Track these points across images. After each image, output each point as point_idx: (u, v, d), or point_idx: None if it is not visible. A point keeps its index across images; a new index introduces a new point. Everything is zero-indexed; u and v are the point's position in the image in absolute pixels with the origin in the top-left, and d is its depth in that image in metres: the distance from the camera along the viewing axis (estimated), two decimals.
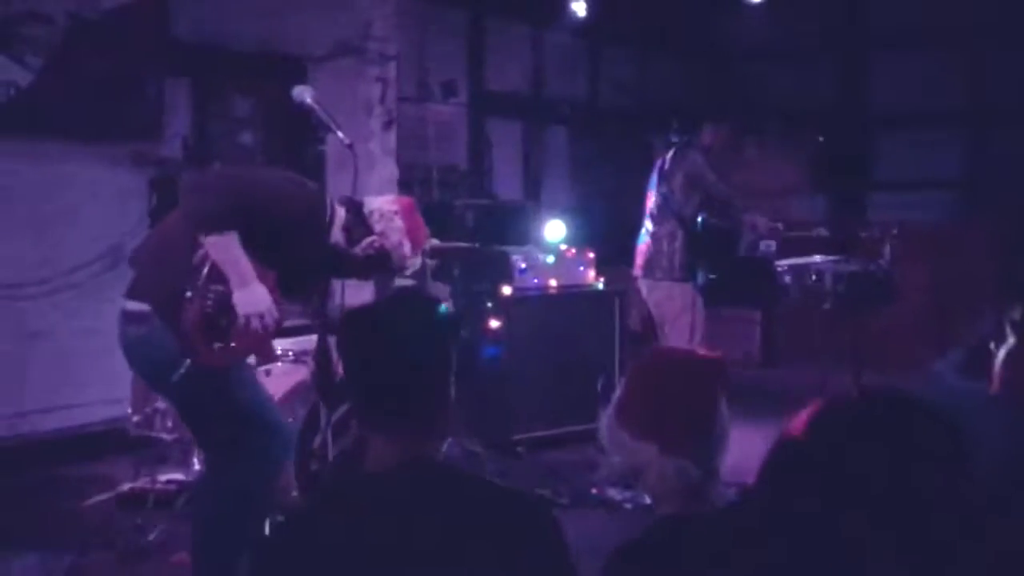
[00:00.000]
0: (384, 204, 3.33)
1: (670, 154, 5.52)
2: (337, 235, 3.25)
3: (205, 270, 2.99)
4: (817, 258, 5.49)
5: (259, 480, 3.25)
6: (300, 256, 3.16)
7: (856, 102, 9.47)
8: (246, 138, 6.35)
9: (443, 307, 1.86)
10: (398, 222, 3.29)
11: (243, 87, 6.29)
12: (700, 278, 5.27)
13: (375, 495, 1.70)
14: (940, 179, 8.98)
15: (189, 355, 2.99)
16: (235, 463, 3.19)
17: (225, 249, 2.95)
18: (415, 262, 3.45)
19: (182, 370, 2.98)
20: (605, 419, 1.95)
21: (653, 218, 5.45)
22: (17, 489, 4.72)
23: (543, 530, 1.71)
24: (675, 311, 5.29)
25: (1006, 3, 8.10)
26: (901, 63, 9.08)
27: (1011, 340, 1.72)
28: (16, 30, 5.07)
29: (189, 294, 2.98)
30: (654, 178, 5.53)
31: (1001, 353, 1.74)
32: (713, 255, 5.47)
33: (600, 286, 6.05)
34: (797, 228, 6.20)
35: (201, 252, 2.98)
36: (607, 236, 8.32)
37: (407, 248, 3.33)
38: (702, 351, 2.17)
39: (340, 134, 2.91)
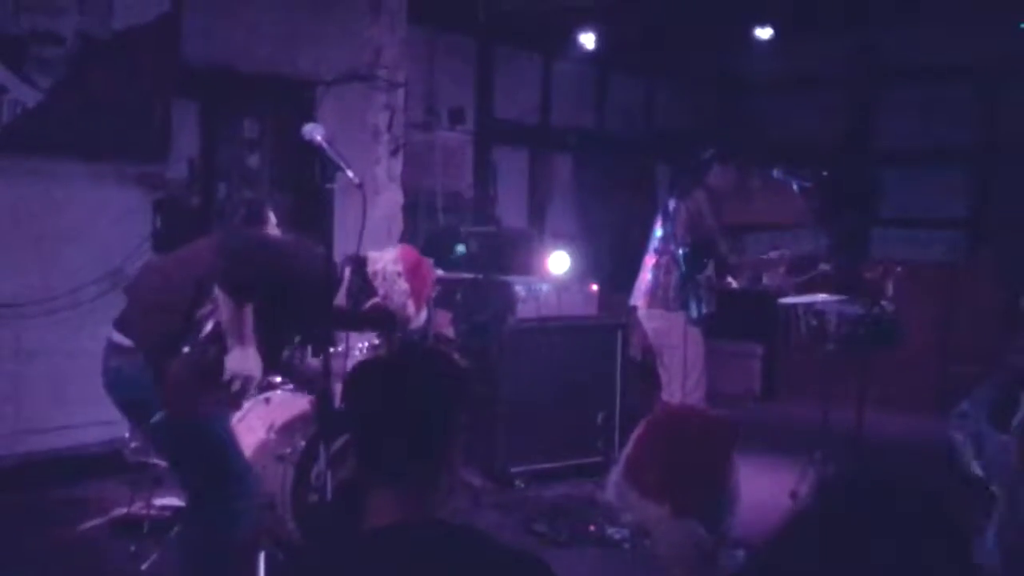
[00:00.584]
0: (388, 264, 3.28)
1: (678, 190, 5.53)
2: (342, 298, 3.26)
3: (208, 328, 3.02)
4: (821, 297, 5.46)
5: (222, 529, 3.26)
6: (306, 319, 3.18)
7: (862, 137, 9.48)
8: (253, 161, 6.35)
9: (455, 364, 1.84)
10: (402, 284, 3.26)
11: (251, 110, 6.30)
12: (694, 310, 5.26)
13: (375, 551, 1.67)
14: (946, 217, 8.98)
15: (167, 404, 3.02)
16: (204, 506, 3.24)
17: (238, 312, 2.99)
18: (419, 320, 3.41)
19: (159, 416, 3.02)
20: (613, 475, 1.93)
21: (655, 251, 5.47)
22: (11, 511, 4.68)
23: None
24: (671, 341, 5.31)
25: (1014, 39, 8.13)
26: (908, 99, 9.10)
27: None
28: (26, 49, 5.07)
29: (187, 349, 3.01)
30: (661, 210, 5.54)
31: (1017, 420, 1.71)
32: (709, 290, 5.48)
33: (603, 319, 6.03)
34: (801, 264, 6.19)
35: (208, 309, 3.01)
36: (612, 265, 8.33)
37: (411, 309, 3.30)
38: (715, 414, 2.16)
39: (350, 173, 2.89)
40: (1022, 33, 8.04)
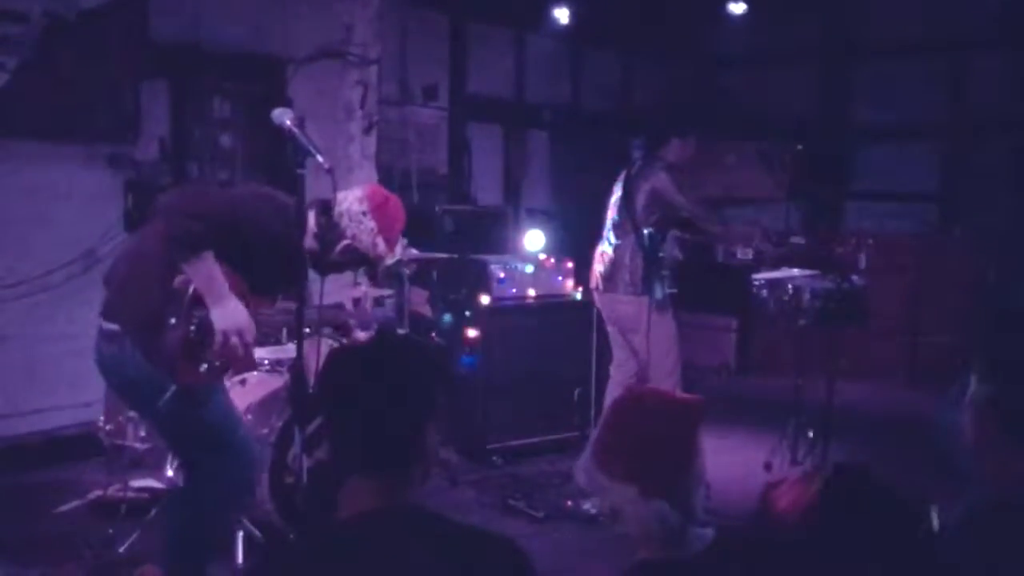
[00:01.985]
0: (353, 204, 3.25)
1: (635, 168, 5.41)
2: (310, 242, 3.23)
3: (189, 294, 2.99)
4: (793, 272, 5.50)
5: (224, 501, 3.33)
6: (274, 266, 3.14)
7: (836, 112, 9.52)
8: (226, 140, 6.30)
9: (433, 350, 1.84)
10: (368, 223, 3.23)
11: (223, 89, 6.24)
12: (659, 292, 5.18)
13: (349, 540, 1.68)
14: (918, 190, 9.05)
15: (175, 379, 3.01)
16: (207, 479, 3.24)
17: (201, 269, 2.95)
18: (393, 256, 3.38)
19: (168, 395, 3.00)
20: (582, 459, 1.96)
21: (614, 231, 5.32)
22: None
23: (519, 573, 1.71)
24: (641, 326, 5.20)
25: (987, 16, 8.17)
26: (882, 74, 9.14)
27: (973, 385, 1.73)
28: None
29: (173, 320, 2.98)
30: (617, 190, 5.39)
31: (967, 398, 1.75)
32: (673, 268, 5.38)
33: (578, 296, 6.06)
34: (774, 238, 6.22)
35: (183, 276, 2.98)
36: (588, 241, 8.34)
37: (381, 247, 3.27)
38: (681, 394, 2.19)
39: (320, 158, 2.87)
40: (992, 7, 8.10)
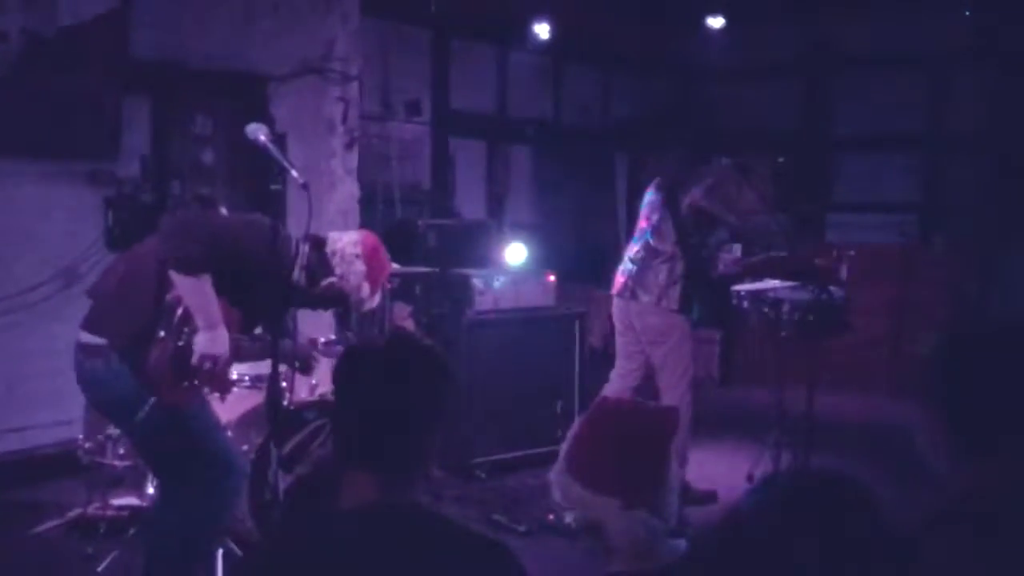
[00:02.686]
0: (347, 246, 3.32)
1: (671, 179, 5.25)
2: (298, 274, 3.27)
3: (180, 311, 3.03)
4: (774, 284, 5.52)
5: (212, 514, 3.32)
6: (263, 296, 3.17)
7: (817, 124, 9.60)
8: (207, 157, 6.29)
9: (444, 355, 1.87)
10: (359, 265, 3.29)
11: (204, 106, 6.24)
12: (696, 312, 5.18)
13: (351, 531, 1.71)
14: (899, 201, 9.12)
15: (156, 393, 3.03)
16: (190, 496, 3.24)
17: (198, 293, 2.99)
18: (373, 303, 3.43)
19: (146, 408, 3.01)
20: (554, 473, 1.95)
21: (653, 239, 5.18)
22: None
23: None
24: (669, 342, 5.14)
25: (966, 29, 8.26)
26: (861, 86, 9.22)
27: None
28: None
29: (162, 334, 3.02)
30: (653, 200, 5.27)
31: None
32: (709, 286, 5.36)
33: (560, 309, 6.07)
34: (758, 250, 6.24)
35: (175, 293, 3.00)
36: (571, 255, 8.37)
37: (365, 291, 3.34)
38: (652, 403, 2.19)
39: (294, 173, 2.89)
40: (969, 21, 8.18)
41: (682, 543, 1.94)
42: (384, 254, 3.42)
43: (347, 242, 3.34)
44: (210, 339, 3.04)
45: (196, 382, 3.13)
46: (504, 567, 1.75)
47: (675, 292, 5.10)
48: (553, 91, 9.37)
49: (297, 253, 3.26)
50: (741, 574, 1.32)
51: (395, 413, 1.76)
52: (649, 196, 5.34)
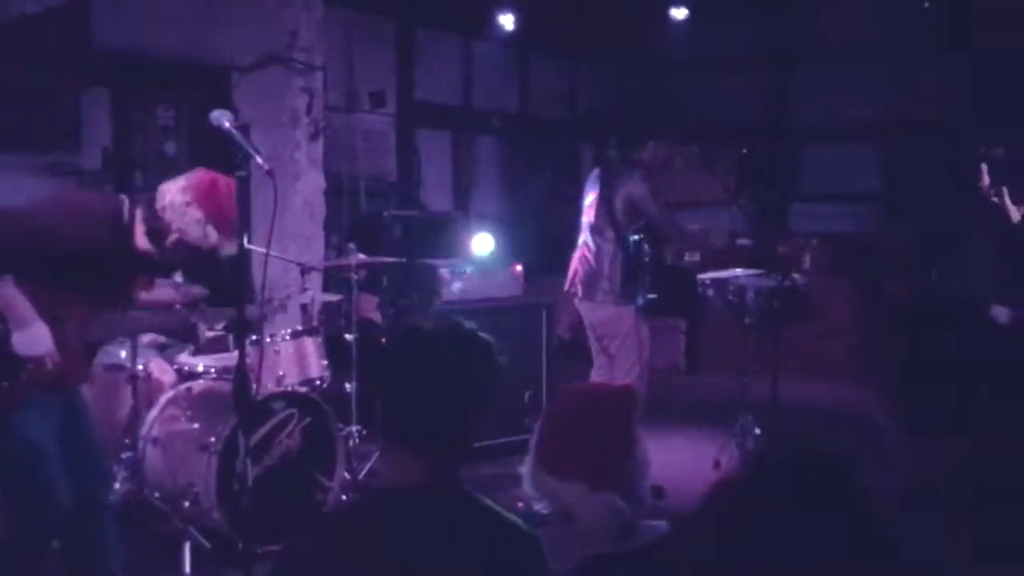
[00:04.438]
0: (175, 195, 3.07)
1: (608, 170, 5.33)
2: (142, 239, 3.09)
3: None
4: (738, 272, 5.57)
5: (24, 529, 3.06)
6: (111, 272, 3.04)
7: (781, 116, 9.69)
8: (169, 148, 6.24)
9: (490, 344, 1.90)
10: (194, 212, 3.04)
11: (166, 97, 6.18)
12: (640, 300, 5.19)
13: (399, 510, 1.79)
14: (861, 191, 9.23)
15: None
16: (10, 505, 3.06)
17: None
18: (231, 245, 3.07)
19: None
20: (525, 467, 1.97)
21: (593, 234, 5.26)
22: None
23: (536, 567, 1.82)
24: (621, 333, 5.18)
25: (928, 21, 8.37)
26: (826, 77, 9.32)
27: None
28: None
29: None
30: (592, 192, 5.35)
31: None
32: (651, 274, 5.39)
33: (528, 300, 6.08)
34: (722, 239, 6.31)
35: None
36: (537, 246, 8.39)
37: (212, 236, 3.08)
38: (611, 384, 2.22)
39: (259, 160, 2.81)
40: (932, 14, 8.30)
41: (663, 524, 1.97)
42: (223, 188, 3.06)
43: (175, 191, 3.07)
44: (25, 339, 2.88)
45: (22, 381, 2.95)
46: (534, 554, 1.81)
47: (617, 283, 5.13)
48: (519, 83, 9.37)
49: (132, 218, 3.06)
50: (735, 546, 1.34)
51: (443, 395, 1.81)
52: (589, 188, 5.37)
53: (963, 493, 1.57)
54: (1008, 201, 5.84)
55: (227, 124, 2.82)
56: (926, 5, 8.03)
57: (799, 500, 1.34)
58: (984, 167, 5.85)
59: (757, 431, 5.45)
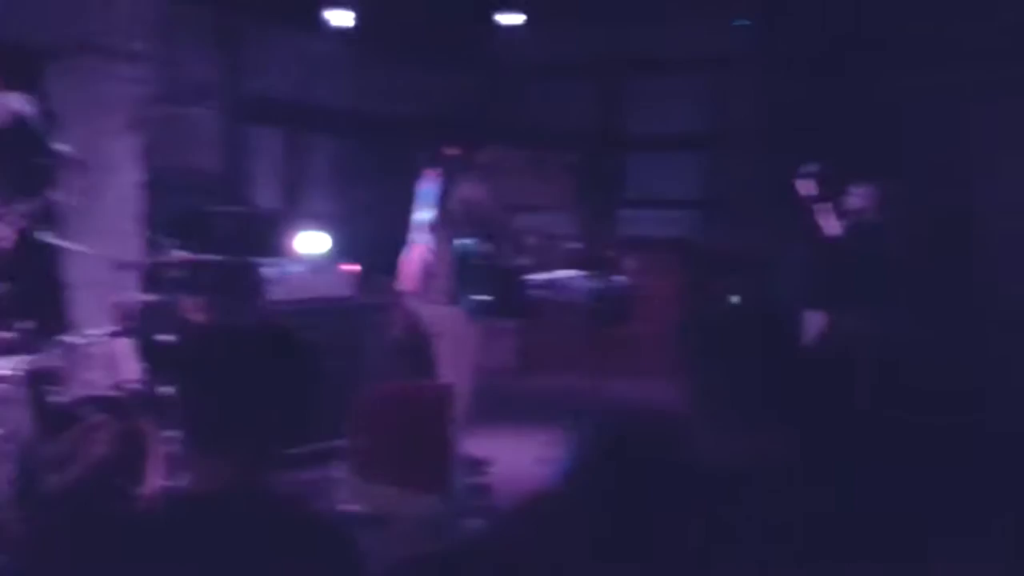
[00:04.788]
0: None
1: (445, 171, 5.39)
2: None
3: None
4: (565, 273, 5.70)
5: None
6: None
7: (610, 122, 9.96)
8: None
9: (304, 345, 1.85)
10: None
11: None
12: (473, 300, 5.23)
13: (208, 516, 1.73)
14: (685, 199, 9.62)
15: None
16: None
17: None
18: None
19: None
20: (344, 472, 1.95)
21: (428, 236, 5.31)
22: None
23: (351, 571, 1.80)
24: (453, 332, 5.23)
25: (743, 35, 8.80)
26: (653, 87, 9.64)
27: None
28: None
29: None
30: (428, 193, 5.37)
31: None
32: (484, 275, 5.44)
33: (361, 300, 6.02)
34: (552, 243, 6.43)
35: None
36: (371, 247, 8.30)
37: None
38: (424, 384, 2.22)
39: (62, 147, 2.66)
40: (751, 27, 8.75)
41: (478, 522, 1.98)
42: None
43: None
44: None
45: None
46: (348, 558, 1.80)
47: (450, 283, 5.19)
48: (354, 80, 9.25)
49: None
50: (555, 543, 1.36)
51: (251, 398, 1.78)
52: (426, 189, 5.40)
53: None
54: (828, 214, 6.21)
55: (19, 109, 2.64)
56: (742, 22, 8.45)
57: (619, 496, 1.37)
58: (805, 180, 6.21)
59: (584, 429, 5.57)
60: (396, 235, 8.00)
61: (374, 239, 8.70)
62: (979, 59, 7.42)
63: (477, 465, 4.83)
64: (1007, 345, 6.40)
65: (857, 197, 6.17)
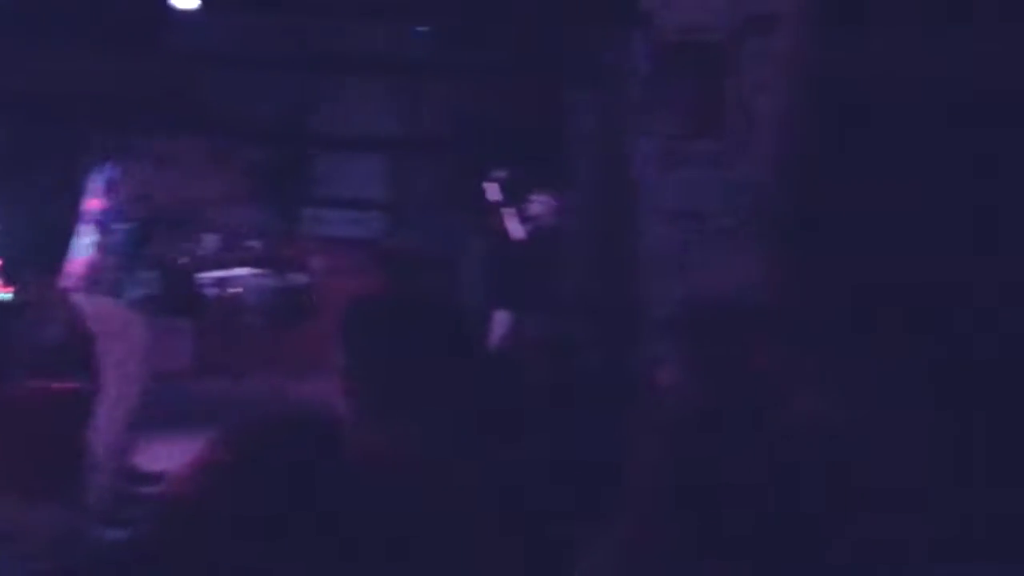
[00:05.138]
0: None
1: (119, 159, 5.09)
2: None
3: None
4: (240, 271, 5.56)
5: None
6: None
7: (299, 119, 9.82)
8: None
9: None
10: None
11: None
12: (135, 294, 4.96)
13: None
14: (371, 199, 9.69)
15: None
16: None
17: None
18: None
19: None
20: None
21: (95, 226, 4.98)
22: None
23: None
24: (118, 330, 4.90)
25: (427, 42, 9.02)
26: (345, 88, 9.63)
27: None
28: None
29: None
30: (99, 181, 5.06)
31: None
32: (154, 270, 5.18)
33: (7, 297, 5.51)
34: (229, 239, 6.23)
35: None
36: (29, 240, 7.60)
37: None
38: (53, 384, 2.07)
39: None
40: (428, 37, 9.02)
41: (119, 533, 1.86)
42: None
43: None
44: None
45: None
46: None
47: (117, 277, 4.94)
48: (14, 62, 8.44)
49: None
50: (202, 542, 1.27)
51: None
52: (96, 176, 5.12)
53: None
54: (513, 218, 6.57)
55: None
56: (420, 29, 8.67)
57: (255, 497, 1.32)
58: (492, 185, 6.51)
59: (225, 431, 5.45)
60: (53, 227, 7.40)
61: (34, 231, 7.98)
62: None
63: (142, 475, 4.57)
64: (656, 346, 7.02)
65: (536, 204, 6.58)
